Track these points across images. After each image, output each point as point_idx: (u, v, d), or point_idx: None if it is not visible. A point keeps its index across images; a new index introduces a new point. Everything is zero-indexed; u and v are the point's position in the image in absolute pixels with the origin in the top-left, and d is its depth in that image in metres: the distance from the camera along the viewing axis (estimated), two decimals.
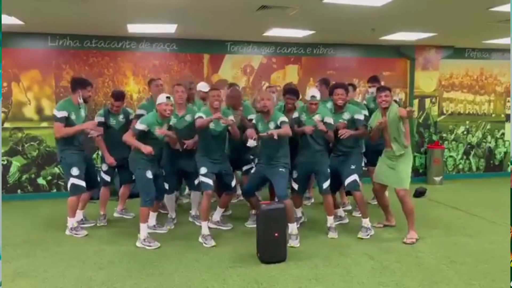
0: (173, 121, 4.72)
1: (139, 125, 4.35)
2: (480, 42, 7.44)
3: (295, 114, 4.74)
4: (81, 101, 4.74)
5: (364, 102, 5.79)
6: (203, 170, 4.59)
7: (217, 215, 5.08)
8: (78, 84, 4.77)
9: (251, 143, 4.40)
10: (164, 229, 4.93)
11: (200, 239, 4.55)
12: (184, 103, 4.88)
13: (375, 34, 6.45)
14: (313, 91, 4.65)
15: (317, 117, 4.51)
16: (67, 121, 4.64)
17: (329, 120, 4.58)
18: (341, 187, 5.16)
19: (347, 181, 4.71)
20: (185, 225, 5.16)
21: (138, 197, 5.84)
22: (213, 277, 3.70)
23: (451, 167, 8.37)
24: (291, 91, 4.99)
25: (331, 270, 3.85)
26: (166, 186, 4.88)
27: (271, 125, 4.47)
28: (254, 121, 4.71)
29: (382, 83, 6.14)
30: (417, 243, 4.50)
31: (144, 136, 4.35)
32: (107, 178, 5.20)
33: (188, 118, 4.82)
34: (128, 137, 4.37)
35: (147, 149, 4.25)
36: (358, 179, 4.69)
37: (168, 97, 4.38)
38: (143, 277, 3.70)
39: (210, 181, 4.58)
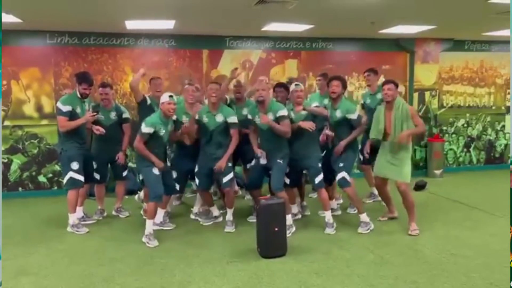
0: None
1: (146, 129, 4.31)
2: (480, 34, 7.41)
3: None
4: (78, 95, 4.74)
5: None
6: (195, 168, 4.79)
7: (227, 214, 4.97)
8: (76, 79, 4.78)
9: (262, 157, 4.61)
10: (170, 226, 4.92)
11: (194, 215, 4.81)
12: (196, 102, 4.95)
13: (375, 27, 6.42)
14: (295, 83, 4.74)
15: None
16: (72, 115, 4.65)
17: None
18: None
19: (337, 178, 4.72)
20: (185, 221, 5.17)
21: (135, 194, 5.92)
22: (214, 272, 3.72)
23: (451, 160, 8.36)
24: (279, 85, 5.01)
25: (331, 264, 3.86)
26: (177, 187, 4.90)
27: (270, 115, 4.47)
28: (249, 116, 4.68)
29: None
30: (417, 236, 4.51)
31: (149, 137, 4.35)
32: (97, 176, 5.13)
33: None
34: (140, 146, 4.36)
35: (160, 164, 4.40)
36: (347, 176, 4.66)
37: (171, 96, 4.36)
38: (144, 273, 3.73)
39: (197, 181, 4.85)
